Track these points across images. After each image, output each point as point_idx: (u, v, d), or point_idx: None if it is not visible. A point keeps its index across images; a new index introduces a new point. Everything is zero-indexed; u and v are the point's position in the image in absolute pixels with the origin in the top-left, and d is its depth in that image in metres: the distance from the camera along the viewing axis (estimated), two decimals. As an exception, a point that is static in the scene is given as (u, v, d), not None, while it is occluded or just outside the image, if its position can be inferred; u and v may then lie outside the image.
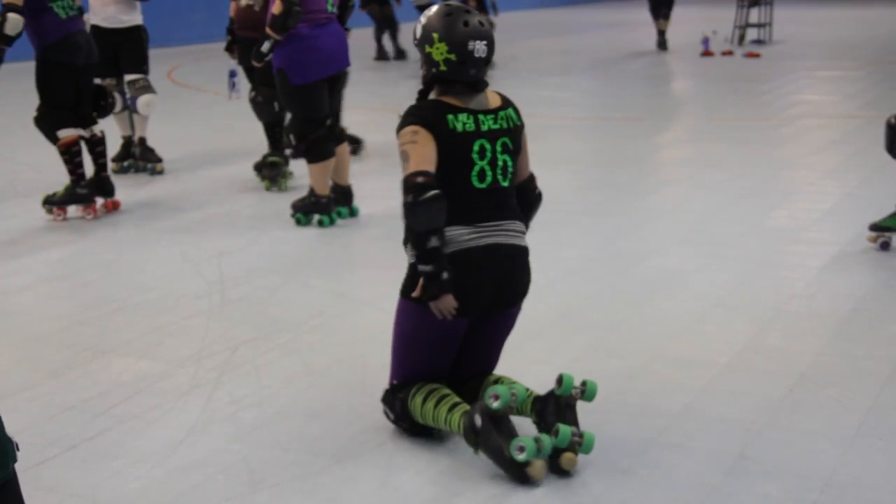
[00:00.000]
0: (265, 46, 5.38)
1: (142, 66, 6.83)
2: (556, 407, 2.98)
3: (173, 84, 11.79)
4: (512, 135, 3.06)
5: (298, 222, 5.61)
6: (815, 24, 11.54)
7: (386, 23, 13.67)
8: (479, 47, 2.96)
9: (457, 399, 3.05)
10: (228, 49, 6.90)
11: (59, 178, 6.15)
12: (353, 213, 5.81)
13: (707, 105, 10.31)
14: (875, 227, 4.94)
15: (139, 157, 7.05)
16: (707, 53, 13.85)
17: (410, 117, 2.99)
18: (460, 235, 2.97)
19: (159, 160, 7.04)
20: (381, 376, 3.52)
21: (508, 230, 3.03)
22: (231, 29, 6.78)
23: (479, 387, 3.14)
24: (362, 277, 4.97)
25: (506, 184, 3.05)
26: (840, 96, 10.25)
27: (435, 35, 2.96)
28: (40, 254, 5.17)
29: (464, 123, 2.98)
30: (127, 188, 6.48)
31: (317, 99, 5.49)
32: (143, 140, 7.06)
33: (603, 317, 4.17)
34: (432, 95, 3.06)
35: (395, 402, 3.12)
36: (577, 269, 4.81)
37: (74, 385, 3.56)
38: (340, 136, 5.70)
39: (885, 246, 4.88)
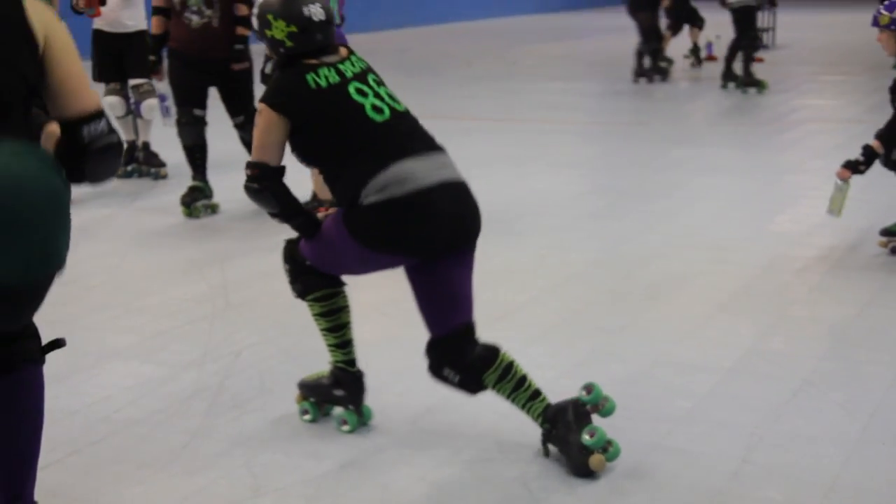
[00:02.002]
0: (268, 67, 5.34)
1: (146, 70, 6.84)
2: (575, 415, 2.92)
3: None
4: (370, 70, 3.06)
5: (301, 227, 5.60)
6: (819, 28, 11.52)
7: (654, 34, 11.79)
8: (315, 11, 2.99)
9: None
10: (153, 71, 6.26)
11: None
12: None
13: (710, 110, 10.31)
14: (886, 232, 4.94)
15: (143, 161, 7.05)
16: (710, 58, 13.81)
17: (268, 97, 2.97)
18: (412, 171, 2.86)
19: (163, 164, 7.05)
20: (383, 381, 3.52)
21: (445, 164, 2.96)
22: (156, 50, 6.08)
23: (487, 354, 2.96)
24: (364, 281, 4.95)
25: (402, 107, 3.02)
26: (843, 101, 10.24)
27: (270, 16, 2.99)
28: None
29: (326, 77, 2.96)
30: (130, 193, 6.49)
31: None
32: (146, 144, 7.07)
33: (606, 321, 4.16)
34: None
35: (295, 272, 3.17)
36: (579, 274, 4.81)
37: (78, 389, 3.56)
38: None
39: (895, 251, 4.87)
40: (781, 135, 8.43)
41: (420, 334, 4.06)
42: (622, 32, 19.98)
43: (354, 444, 3.12)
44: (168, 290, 4.67)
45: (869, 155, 4.88)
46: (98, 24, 6.72)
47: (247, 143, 5.89)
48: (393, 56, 14.84)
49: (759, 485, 2.83)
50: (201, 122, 5.94)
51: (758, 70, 11.86)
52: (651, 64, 11.75)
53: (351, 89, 2.96)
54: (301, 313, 4.30)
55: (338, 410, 3.26)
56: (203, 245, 5.40)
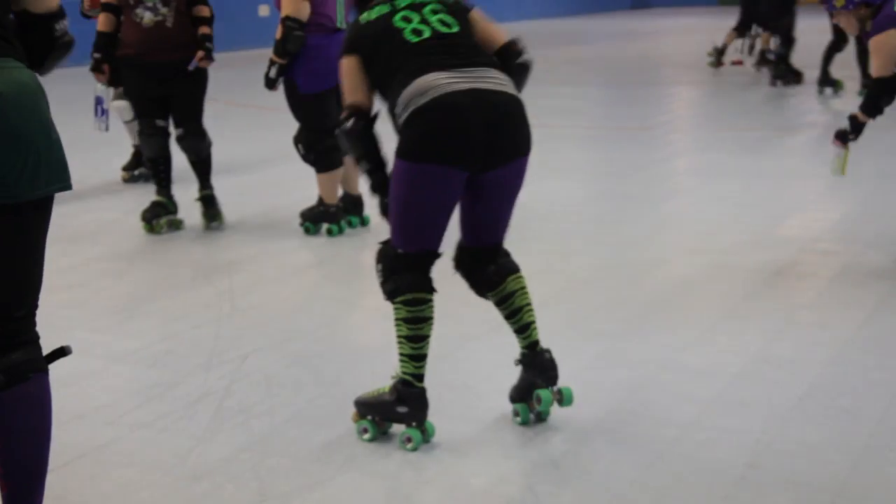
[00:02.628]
0: (272, 72, 5.36)
1: None
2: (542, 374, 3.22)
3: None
4: (439, 2, 3.11)
5: (307, 231, 5.62)
6: (826, 33, 11.51)
7: (789, 37, 11.90)
8: None
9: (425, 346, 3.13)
10: (97, 70, 5.67)
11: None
12: (363, 221, 5.81)
13: (716, 115, 10.31)
14: None
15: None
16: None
17: (341, 48, 3.16)
18: (436, 80, 2.92)
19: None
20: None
21: (488, 77, 2.98)
22: (101, 47, 5.60)
23: (494, 279, 3.18)
24: (372, 286, 4.94)
25: (454, 30, 3.06)
26: (851, 106, 10.23)
27: None
28: (50, 263, 5.18)
29: (377, 11, 3.09)
30: (137, 197, 6.50)
31: (326, 108, 5.50)
32: None
33: (612, 327, 4.16)
34: None
35: (388, 270, 3.14)
36: (586, 279, 4.81)
37: (84, 393, 3.57)
38: None
39: None
40: (788, 140, 8.42)
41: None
42: (628, 37, 20.00)
43: (361, 448, 3.12)
44: (174, 294, 4.68)
45: (855, 125, 4.84)
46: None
47: (192, 156, 5.66)
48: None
49: (766, 491, 2.82)
50: (164, 134, 5.63)
51: (764, 75, 11.85)
52: (784, 67, 11.71)
53: (396, 17, 3.05)
54: (308, 319, 4.32)
55: (399, 428, 3.14)
56: (210, 250, 5.41)
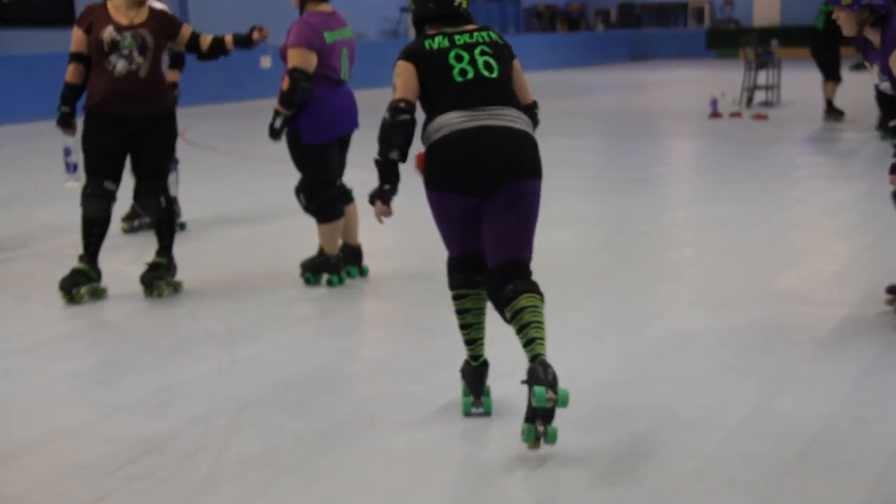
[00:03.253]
0: (277, 122, 5.35)
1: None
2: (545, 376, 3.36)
3: (186, 144, 11.92)
4: (490, 45, 3.63)
5: (307, 282, 5.64)
6: (820, 86, 11.67)
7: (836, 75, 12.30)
8: None
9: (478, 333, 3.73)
10: (65, 124, 5.35)
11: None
12: (362, 272, 5.83)
13: (715, 166, 10.38)
14: (892, 290, 4.95)
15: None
16: (715, 115, 13.96)
17: (400, 55, 3.66)
18: (451, 119, 3.50)
19: (178, 215, 7.07)
20: (389, 437, 3.53)
21: (500, 114, 3.52)
22: (70, 99, 5.32)
23: (509, 295, 3.45)
24: (371, 337, 4.98)
25: (493, 75, 3.58)
26: (847, 158, 10.30)
27: None
28: (51, 313, 5.20)
29: (438, 42, 3.61)
30: (139, 247, 6.53)
31: (328, 159, 5.54)
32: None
33: (611, 378, 4.16)
34: None
35: (448, 269, 3.73)
36: (585, 330, 4.81)
37: (85, 444, 3.56)
38: (348, 195, 5.72)
39: None
40: (786, 192, 8.47)
41: (426, 390, 4.08)
42: (627, 89, 20.17)
43: (360, 500, 3.11)
44: (174, 344, 4.68)
45: None
46: None
47: (149, 216, 5.45)
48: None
49: (768, 545, 2.81)
50: (110, 197, 5.30)
51: (763, 127, 11.94)
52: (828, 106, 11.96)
53: (451, 54, 3.59)
54: (308, 369, 4.32)
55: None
56: (210, 300, 5.42)
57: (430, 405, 3.89)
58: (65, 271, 5.38)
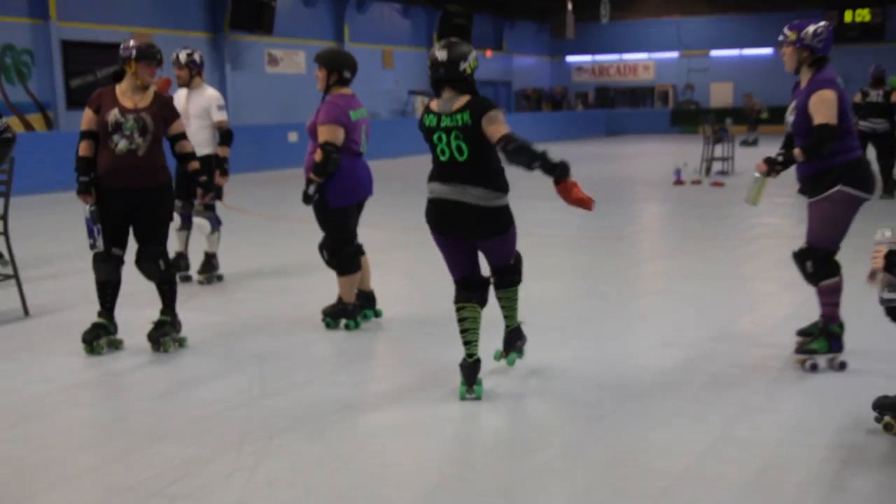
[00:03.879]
0: (311, 189, 5.34)
1: (203, 191, 6.65)
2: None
3: (225, 207, 11.98)
4: (462, 130, 4.10)
5: (328, 326, 5.63)
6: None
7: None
8: (440, 53, 4.13)
9: (472, 336, 4.31)
10: (85, 192, 5.08)
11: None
12: (377, 314, 5.83)
13: (680, 226, 10.41)
14: (802, 333, 4.93)
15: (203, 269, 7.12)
16: (679, 182, 14.04)
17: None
18: (434, 187, 4.23)
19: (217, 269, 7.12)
20: (400, 462, 3.51)
21: (463, 190, 4.15)
22: (86, 170, 5.08)
23: (499, 286, 4.49)
24: (383, 374, 4.96)
25: (462, 158, 4.14)
26: (794, 219, 10.32)
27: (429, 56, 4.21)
28: (105, 355, 5.19)
29: (430, 120, 4.19)
30: (181, 296, 6.53)
31: (350, 221, 5.58)
32: (206, 253, 7.12)
33: (591, 410, 4.15)
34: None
35: (455, 293, 4.41)
36: (568, 369, 4.79)
37: (132, 468, 3.55)
38: (361, 249, 5.74)
39: (814, 367, 4.65)
40: (742, 248, 8.49)
41: (431, 420, 4.06)
42: (603, 159, 20.29)
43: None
44: (211, 380, 4.67)
45: (787, 158, 4.64)
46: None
47: (149, 279, 5.20)
48: (410, 178, 15.06)
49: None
50: (118, 261, 5.18)
51: (720, 193, 11.98)
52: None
53: (435, 135, 4.18)
54: (328, 402, 4.30)
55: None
56: (243, 341, 5.42)
57: (435, 434, 3.88)
58: (121, 318, 5.38)
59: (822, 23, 4.67)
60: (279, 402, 4.33)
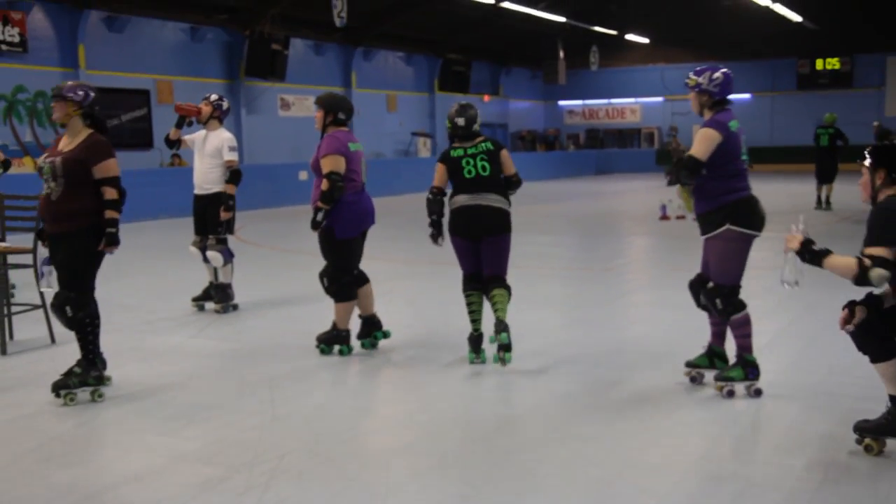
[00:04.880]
0: (319, 216, 5.41)
1: (213, 227, 6.96)
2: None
3: (239, 241, 12.01)
4: (486, 153, 5.27)
5: (322, 352, 5.62)
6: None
7: None
8: (459, 121, 5.30)
9: (476, 316, 5.37)
10: (39, 237, 4.92)
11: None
12: (385, 335, 5.83)
13: (665, 259, 10.42)
14: (689, 364, 4.89)
15: (215, 297, 7.11)
16: (664, 217, 14.06)
17: (438, 158, 5.34)
18: (459, 199, 5.24)
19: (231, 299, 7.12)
20: (402, 484, 3.48)
21: (485, 197, 5.21)
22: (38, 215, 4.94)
23: (490, 290, 5.27)
24: (386, 397, 4.95)
25: (485, 174, 5.23)
26: (772, 252, 10.32)
27: (448, 118, 5.34)
28: (128, 376, 5.18)
29: (457, 153, 5.28)
30: (201, 324, 6.52)
31: (354, 251, 5.60)
32: (222, 285, 7.09)
33: (584, 430, 4.13)
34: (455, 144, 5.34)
35: (463, 284, 5.43)
36: (560, 392, 4.78)
37: (153, 486, 3.53)
38: (364, 277, 5.76)
39: (730, 394, 4.60)
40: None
41: (430, 442, 4.03)
42: (593, 196, 20.35)
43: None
44: (225, 404, 4.66)
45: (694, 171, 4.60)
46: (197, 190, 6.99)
47: (63, 323, 4.70)
48: (410, 214, 15.10)
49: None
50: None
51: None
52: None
53: (463, 161, 5.25)
54: (334, 424, 4.29)
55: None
56: (255, 366, 5.41)
57: (433, 453, 3.86)
58: (144, 344, 5.36)
59: (721, 70, 4.69)
60: (289, 424, 4.31)
